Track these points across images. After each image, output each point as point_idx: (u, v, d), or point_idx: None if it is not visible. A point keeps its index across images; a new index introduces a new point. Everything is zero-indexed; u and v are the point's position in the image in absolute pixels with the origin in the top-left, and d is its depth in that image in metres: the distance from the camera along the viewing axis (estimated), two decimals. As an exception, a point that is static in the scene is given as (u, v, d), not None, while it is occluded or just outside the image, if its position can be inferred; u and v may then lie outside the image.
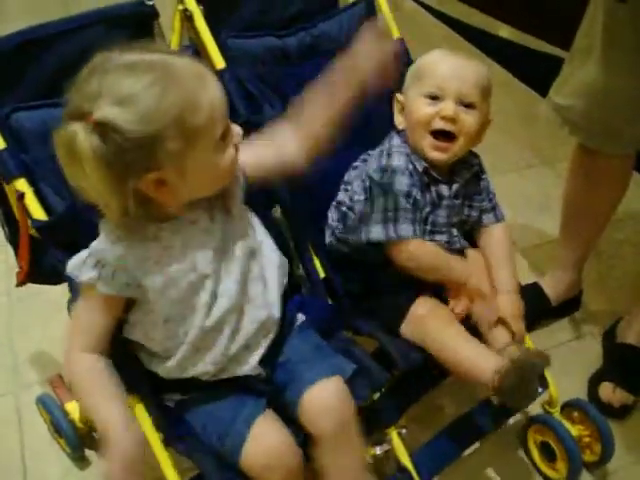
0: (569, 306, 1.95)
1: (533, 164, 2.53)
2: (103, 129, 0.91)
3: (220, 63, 1.34)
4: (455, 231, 1.40)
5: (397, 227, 1.30)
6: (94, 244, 1.06)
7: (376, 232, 1.31)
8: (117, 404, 1.05)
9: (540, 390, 1.50)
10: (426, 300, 1.36)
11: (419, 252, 1.32)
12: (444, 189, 1.36)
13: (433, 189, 1.35)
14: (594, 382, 1.75)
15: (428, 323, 1.32)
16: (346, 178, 1.43)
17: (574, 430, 1.51)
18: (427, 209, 1.35)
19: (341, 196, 1.42)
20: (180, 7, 1.34)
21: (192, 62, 1.01)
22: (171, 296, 1.07)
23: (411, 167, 1.32)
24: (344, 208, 1.40)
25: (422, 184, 1.33)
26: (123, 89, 0.93)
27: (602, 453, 1.51)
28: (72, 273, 1.07)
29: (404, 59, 1.51)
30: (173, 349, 1.11)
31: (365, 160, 1.42)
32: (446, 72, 1.33)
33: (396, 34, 1.53)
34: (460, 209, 1.40)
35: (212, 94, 0.99)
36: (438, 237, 1.38)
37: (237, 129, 1.06)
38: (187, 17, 1.33)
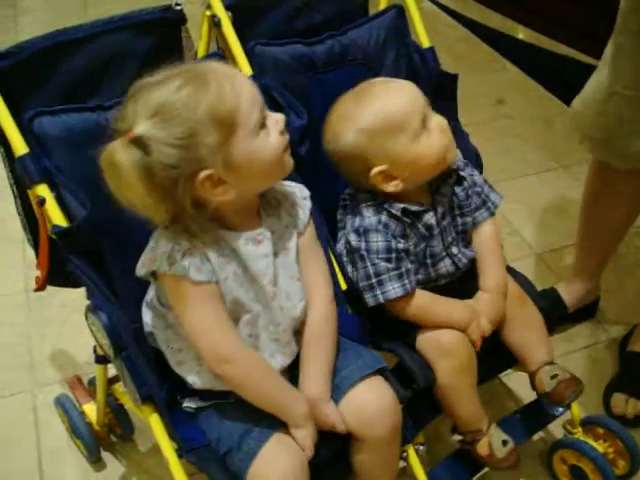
0: (585, 312, 1.93)
1: (551, 167, 2.49)
2: (143, 142, 0.96)
3: (247, 71, 1.32)
4: (455, 249, 1.36)
5: (384, 290, 1.26)
6: (172, 238, 1.05)
7: (366, 300, 1.28)
8: (286, 384, 1.13)
9: (561, 410, 1.48)
10: None
11: (413, 307, 1.29)
12: (430, 218, 1.31)
13: (419, 225, 1.30)
14: (608, 392, 1.72)
15: (441, 339, 1.30)
16: (338, 223, 1.38)
17: (600, 448, 1.49)
18: (421, 246, 1.31)
19: (338, 247, 1.35)
20: (208, 13, 1.32)
21: (220, 64, 1.09)
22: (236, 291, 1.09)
23: (384, 217, 1.27)
24: (345, 258, 1.34)
25: (404, 227, 1.29)
26: (153, 101, 0.98)
27: (631, 467, 1.50)
28: (159, 270, 1.05)
29: (434, 67, 1.49)
30: None
31: (345, 200, 1.37)
32: (407, 106, 1.24)
33: (426, 43, 1.50)
34: (452, 224, 1.36)
35: (239, 85, 1.02)
36: (441, 264, 1.34)
37: (277, 116, 1.08)
38: (215, 23, 1.32)
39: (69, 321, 1.84)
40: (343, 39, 1.44)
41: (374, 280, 1.27)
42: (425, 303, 1.30)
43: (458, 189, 1.36)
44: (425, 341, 1.30)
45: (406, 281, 1.27)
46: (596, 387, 1.73)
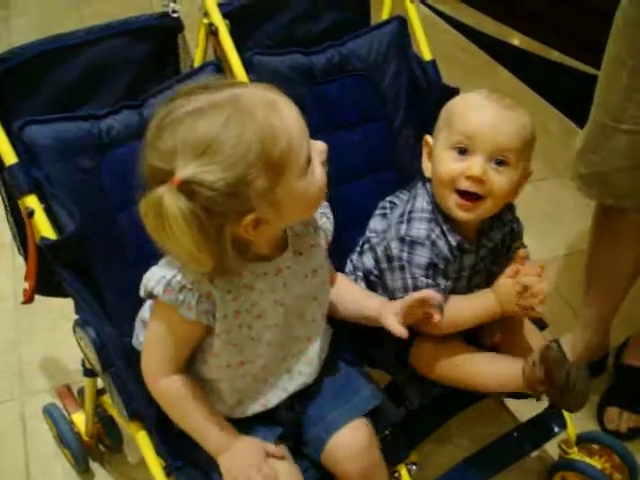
0: (593, 370, 1.72)
1: (546, 176, 2.45)
2: (189, 187, 0.87)
3: (244, 81, 1.29)
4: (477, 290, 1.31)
5: None
6: (178, 266, 0.99)
7: None
8: (218, 418, 1.09)
9: (557, 430, 1.46)
10: None
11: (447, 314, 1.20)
12: (470, 258, 1.26)
13: (457, 263, 1.25)
14: (602, 406, 1.71)
15: (437, 351, 1.26)
16: (367, 234, 1.33)
17: (597, 464, 1.48)
18: (447, 283, 1.24)
19: (367, 262, 1.30)
20: (205, 21, 1.30)
21: (261, 90, 0.96)
22: (235, 328, 1.05)
23: (434, 236, 1.21)
24: (372, 277, 1.29)
25: (452, 255, 1.22)
26: (198, 138, 0.89)
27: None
28: (153, 291, 1.00)
29: (436, 80, 1.47)
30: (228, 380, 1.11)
31: (384, 208, 1.33)
32: (479, 122, 1.17)
33: (428, 56, 1.47)
34: (482, 271, 1.30)
35: (288, 120, 0.93)
36: None
37: (321, 146, 1.02)
38: (212, 32, 1.29)
39: (58, 327, 1.81)
40: (343, 49, 1.42)
41: (410, 292, 1.19)
42: (457, 309, 1.22)
43: (506, 239, 1.31)
44: (418, 358, 1.28)
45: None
46: (589, 400, 1.69)
